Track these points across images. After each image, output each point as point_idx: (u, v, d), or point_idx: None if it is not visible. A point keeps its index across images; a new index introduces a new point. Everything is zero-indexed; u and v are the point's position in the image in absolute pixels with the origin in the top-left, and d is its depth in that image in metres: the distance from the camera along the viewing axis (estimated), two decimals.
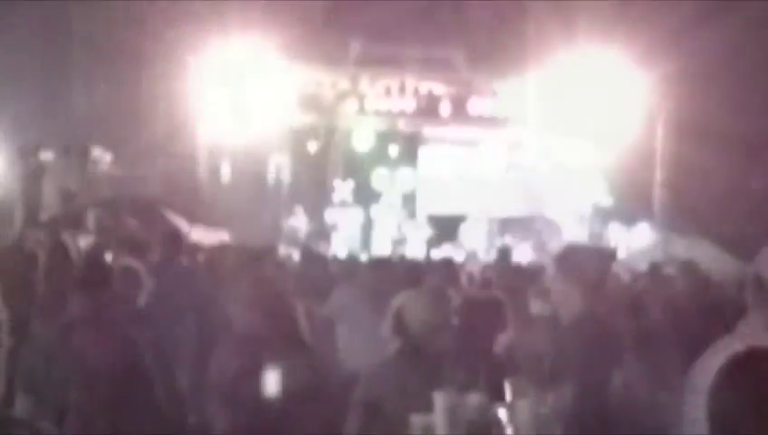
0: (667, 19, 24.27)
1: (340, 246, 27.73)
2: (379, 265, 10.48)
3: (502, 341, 7.67)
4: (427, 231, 30.18)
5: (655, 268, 12.23)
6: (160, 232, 11.36)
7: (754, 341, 3.10)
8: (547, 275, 10.60)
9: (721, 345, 3.51)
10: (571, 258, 6.34)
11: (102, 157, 27.52)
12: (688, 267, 10.87)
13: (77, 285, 6.03)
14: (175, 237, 10.71)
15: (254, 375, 5.39)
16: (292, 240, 26.27)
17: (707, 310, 8.66)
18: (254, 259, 10.34)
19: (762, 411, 2.48)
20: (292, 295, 5.98)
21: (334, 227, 29.85)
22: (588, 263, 6.17)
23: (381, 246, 28.93)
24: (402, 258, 19.62)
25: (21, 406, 5.73)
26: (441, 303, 5.55)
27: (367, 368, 5.65)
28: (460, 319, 7.98)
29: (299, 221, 29.28)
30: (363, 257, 16.33)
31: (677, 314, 8.90)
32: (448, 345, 5.41)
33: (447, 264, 12.25)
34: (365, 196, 30.57)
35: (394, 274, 9.96)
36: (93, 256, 6.54)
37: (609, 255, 6.99)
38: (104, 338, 5.82)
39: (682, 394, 3.29)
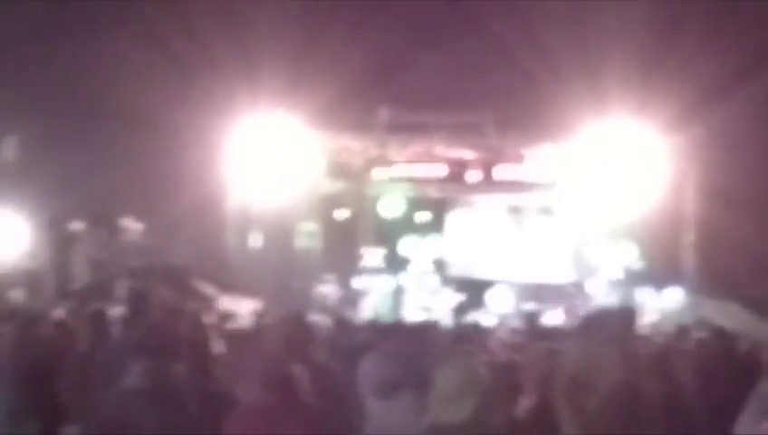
0: (696, 85, 24.31)
1: (369, 313, 27.65)
2: (409, 331, 10.44)
3: (523, 405, 7.63)
4: (457, 297, 30.09)
5: (683, 330, 12.15)
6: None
7: None
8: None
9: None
10: (597, 321, 6.33)
11: (132, 226, 27.68)
12: (717, 332, 10.79)
13: (140, 354, 5.85)
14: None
15: None
16: (322, 307, 26.21)
17: (736, 373, 8.60)
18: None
19: None
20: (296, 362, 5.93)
21: (364, 294, 29.78)
22: (610, 322, 6.15)
23: (411, 313, 28.85)
24: (434, 324, 19.57)
25: None
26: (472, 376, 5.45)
27: None
28: None
29: (328, 288, 29.25)
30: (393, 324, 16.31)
31: (705, 378, 8.84)
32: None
33: (477, 329, 12.22)
34: (395, 262, 30.54)
35: (424, 339, 9.92)
36: (160, 325, 6.41)
37: (631, 312, 6.96)
38: (168, 411, 5.65)
39: None
